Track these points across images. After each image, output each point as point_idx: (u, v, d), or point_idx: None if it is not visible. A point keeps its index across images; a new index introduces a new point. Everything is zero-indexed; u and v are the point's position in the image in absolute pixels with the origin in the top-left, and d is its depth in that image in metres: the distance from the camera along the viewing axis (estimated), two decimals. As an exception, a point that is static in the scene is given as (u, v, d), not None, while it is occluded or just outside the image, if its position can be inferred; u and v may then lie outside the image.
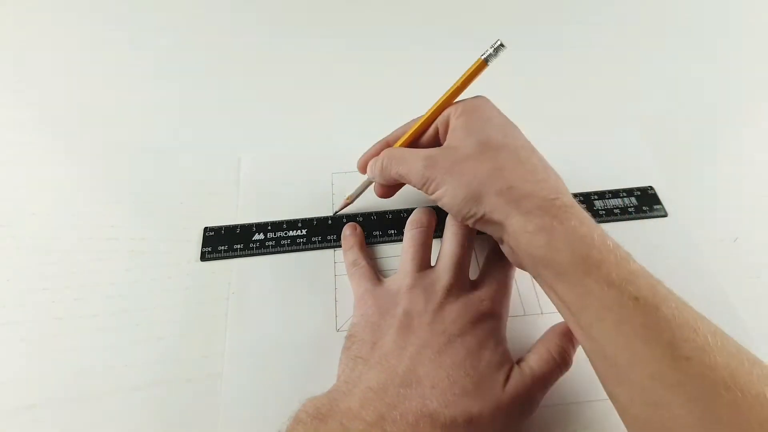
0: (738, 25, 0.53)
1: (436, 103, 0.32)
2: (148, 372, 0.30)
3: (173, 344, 0.31)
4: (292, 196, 0.38)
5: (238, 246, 0.35)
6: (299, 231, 0.36)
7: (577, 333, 0.25)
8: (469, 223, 0.28)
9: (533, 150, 0.29)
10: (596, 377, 0.24)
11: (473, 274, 0.31)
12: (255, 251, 0.35)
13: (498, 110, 0.31)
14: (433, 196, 0.29)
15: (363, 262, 0.33)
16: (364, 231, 0.36)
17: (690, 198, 0.38)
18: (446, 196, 0.28)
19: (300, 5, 0.55)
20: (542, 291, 0.27)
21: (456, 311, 0.28)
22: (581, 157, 0.41)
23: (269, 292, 0.33)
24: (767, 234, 0.36)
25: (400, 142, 0.33)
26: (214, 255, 0.35)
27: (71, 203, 0.38)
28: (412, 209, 0.34)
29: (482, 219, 0.27)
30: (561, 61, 0.49)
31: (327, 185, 0.39)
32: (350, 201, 0.36)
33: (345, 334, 0.30)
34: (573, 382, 0.29)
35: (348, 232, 0.35)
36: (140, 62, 0.49)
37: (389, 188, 0.34)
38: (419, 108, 0.32)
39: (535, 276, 0.26)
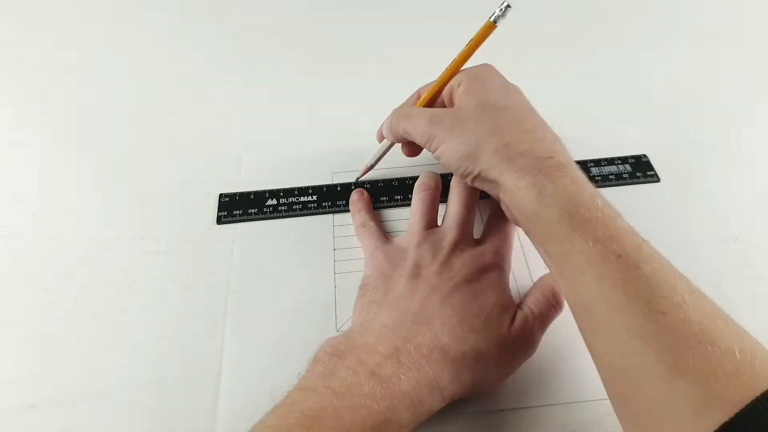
0: (741, 19, 0.53)
1: (446, 68, 0.32)
2: (148, 372, 0.30)
3: (173, 344, 0.31)
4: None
5: (253, 210, 0.37)
6: (310, 197, 0.38)
7: (562, 287, 0.26)
8: (468, 180, 0.29)
9: (533, 111, 0.30)
10: (596, 377, 0.24)
11: (476, 236, 0.33)
12: (268, 215, 0.37)
13: (501, 75, 0.32)
14: (434, 154, 0.30)
15: (371, 223, 0.34)
16: (371, 197, 0.37)
17: (690, 197, 0.38)
18: (446, 152, 0.29)
19: (300, 4, 0.55)
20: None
21: (461, 262, 0.29)
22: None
23: (269, 280, 0.33)
24: (767, 234, 0.36)
25: None
26: (229, 219, 0.37)
27: (71, 203, 0.38)
28: (416, 177, 0.36)
29: (479, 177, 0.28)
30: (563, 54, 0.49)
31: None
32: (369, 167, 0.38)
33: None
34: (573, 382, 0.29)
35: (356, 197, 0.37)
36: (140, 61, 0.49)
37: (412, 147, 0.35)
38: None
39: (527, 233, 0.27)
